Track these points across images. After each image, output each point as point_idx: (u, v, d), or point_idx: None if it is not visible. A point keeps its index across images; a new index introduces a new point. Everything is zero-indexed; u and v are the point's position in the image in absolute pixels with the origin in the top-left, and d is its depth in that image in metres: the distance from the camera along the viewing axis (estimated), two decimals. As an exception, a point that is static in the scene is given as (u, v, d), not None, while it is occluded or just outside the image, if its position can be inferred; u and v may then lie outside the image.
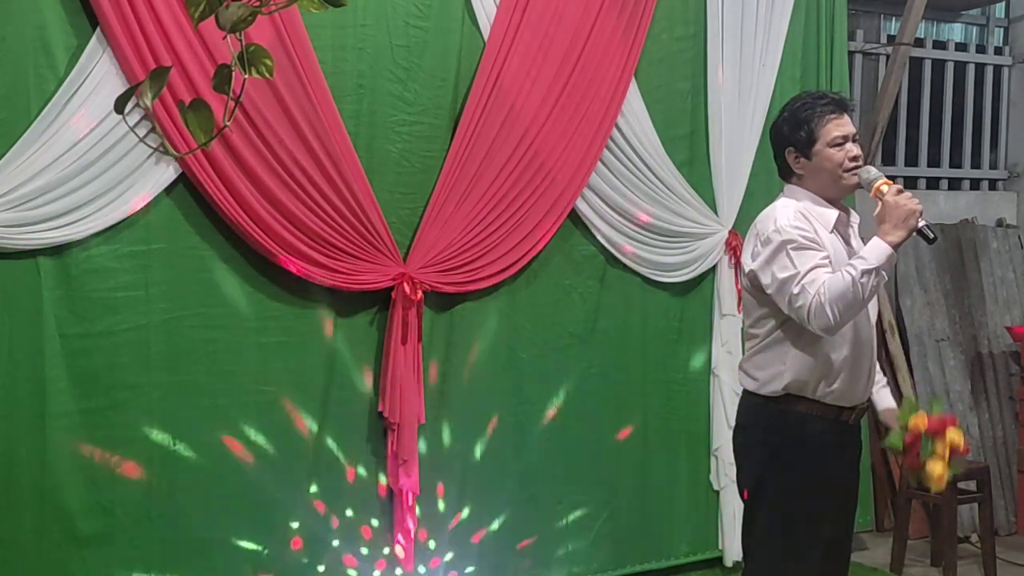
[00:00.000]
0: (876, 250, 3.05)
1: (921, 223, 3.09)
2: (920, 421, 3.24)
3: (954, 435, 3.21)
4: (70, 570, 3.88)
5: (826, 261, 3.11)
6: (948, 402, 6.08)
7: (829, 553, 3.33)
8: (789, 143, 3.28)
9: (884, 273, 3.06)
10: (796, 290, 3.07)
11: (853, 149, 3.23)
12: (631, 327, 4.98)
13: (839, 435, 3.28)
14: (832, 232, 3.23)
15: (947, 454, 3.19)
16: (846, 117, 3.25)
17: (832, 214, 3.24)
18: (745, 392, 3.36)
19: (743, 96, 5.14)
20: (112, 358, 3.92)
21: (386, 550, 4.45)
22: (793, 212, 3.18)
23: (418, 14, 4.41)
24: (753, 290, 3.26)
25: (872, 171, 3.21)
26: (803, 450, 3.23)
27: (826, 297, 3.01)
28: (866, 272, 3.00)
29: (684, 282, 5.06)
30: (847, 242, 3.28)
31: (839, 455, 3.30)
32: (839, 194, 3.27)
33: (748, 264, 3.24)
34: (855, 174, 3.22)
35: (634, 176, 4.88)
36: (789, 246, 3.11)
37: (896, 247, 3.06)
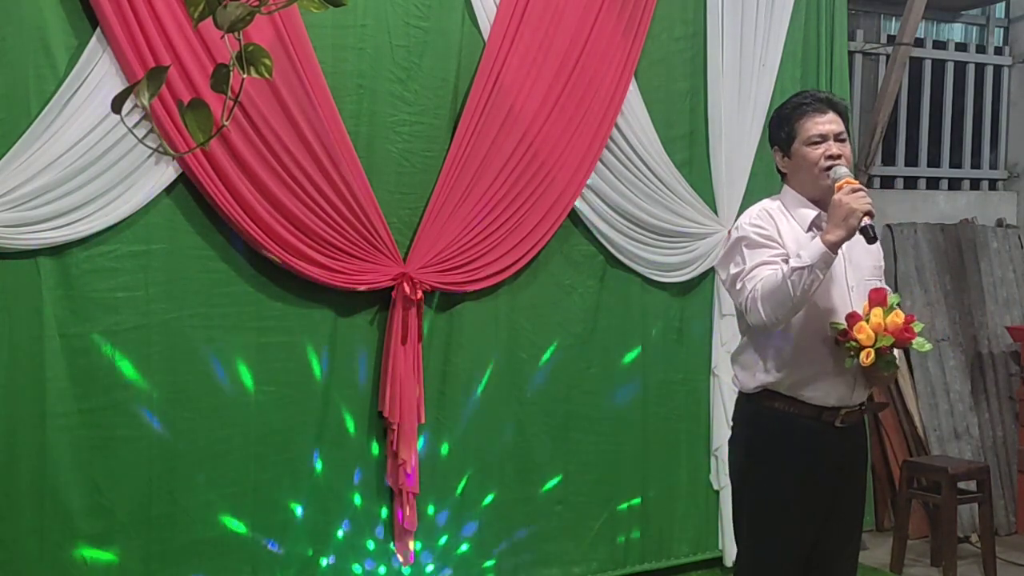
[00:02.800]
0: (812, 249, 3.03)
1: (865, 222, 3.03)
2: (865, 305, 3.19)
3: (895, 315, 3.13)
4: (70, 570, 3.88)
5: (776, 259, 3.11)
6: (948, 402, 6.08)
7: (833, 560, 3.32)
8: (774, 142, 3.31)
9: (819, 272, 3.01)
10: (739, 286, 3.14)
11: (832, 148, 3.18)
12: (631, 327, 4.98)
13: (821, 435, 3.22)
14: (810, 230, 3.20)
15: (879, 324, 3.09)
16: (830, 115, 3.22)
17: (810, 213, 3.22)
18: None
19: (743, 96, 5.14)
20: (112, 358, 3.92)
21: (386, 549, 4.45)
22: (758, 211, 3.23)
23: (418, 14, 4.41)
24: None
25: (841, 170, 3.16)
26: (779, 448, 3.22)
27: (759, 293, 3.05)
28: (796, 270, 3.00)
29: (684, 282, 5.06)
30: None
31: (821, 456, 3.23)
32: (820, 193, 3.22)
33: (715, 261, 3.30)
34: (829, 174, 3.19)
35: (634, 176, 4.88)
36: (743, 243, 3.16)
37: (833, 246, 3.01)
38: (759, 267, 3.10)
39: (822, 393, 3.21)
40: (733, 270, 3.17)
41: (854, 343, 3.11)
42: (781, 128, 3.27)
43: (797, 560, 3.26)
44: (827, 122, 3.21)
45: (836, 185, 3.11)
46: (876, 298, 3.16)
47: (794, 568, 3.26)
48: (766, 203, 3.28)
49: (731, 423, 3.47)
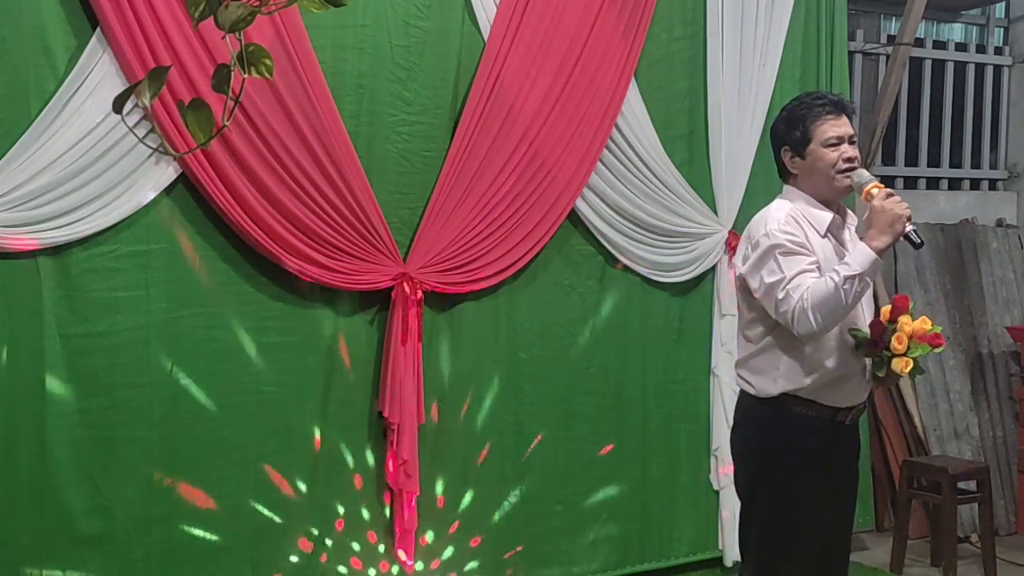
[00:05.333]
0: (861, 256, 3.04)
1: (908, 228, 3.06)
2: (885, 310, 3.22)
3: (921, 321, 3.17)
4: (70, 570, 3.88)
5: (813, 266, 3.10)
6: (948, 402, 6.08)
7: (828, 553, 3.33)
8: (785, 142, 3.28)
9: (869, 279, 3.04)
10: (781, 295, 3.08)
11: (848, 150, 3.21)
12: (631, 327, 4.98)
13: (835, 435, 3.27)
14: (825, 236, 3.22)
15: (911, 332, 3.13)
16: (844, 118, 3.23)
17: (826, 217, 3.23)
18: (742, 392, 3.36)
19: (743, 96, 5.14)
20: (112, 358, 3.92)
21: (386, 550, 4.45)
22: (784, 216, 3.18)
23: (418, 14, 4.41)
24: (744, 293, 3.28)
25: (864, 174, 3.18)
26: (798, 450, 3.22)
27: (809, 303, 3.02)
28: (849, 278, 3.00)
29: (684, 282, 5.06)
30: (842, 245, 3.27)
31: (835, 455, 3.29)
32: (833, 195, 3.26)
33: (739, 268, 3.25)
34: (848, 176, 3.20)
35: (634, 176, 4.88)
36: (777, 251, 3.11)
37: (881, 253, 3.04)
38: (800, 275, 3.07)
39: (841, 394, 3.23)
40: (769, 279, 3.11)
41: (887, 352, 3.13)
42: (795, 128, 3.24)
43: (811, 559, 3.27)
44: (843, 124, 3.22)
45: (864, 190, 3.12)
46: (901, 305, 3.18)
47: (808, 567, 3.27)
48: (784, 207, 3.23)
49: (736, 425, 3.42)
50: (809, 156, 3.23)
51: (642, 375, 5.01)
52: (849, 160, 3.20)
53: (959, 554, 5.42)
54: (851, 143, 3.23)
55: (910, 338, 3.14)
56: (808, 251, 3.13)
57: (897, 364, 3.13)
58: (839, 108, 3.24)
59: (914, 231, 3.09)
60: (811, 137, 3.22)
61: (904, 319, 3.15)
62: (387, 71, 4.36)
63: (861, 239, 3.11)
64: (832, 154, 3.20)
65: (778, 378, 3.22)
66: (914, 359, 3.14)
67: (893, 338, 3.13)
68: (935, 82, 6.70)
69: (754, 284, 3.18)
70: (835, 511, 3.33)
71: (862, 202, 3.17)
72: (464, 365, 4.58)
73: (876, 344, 3.16)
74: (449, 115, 4.50)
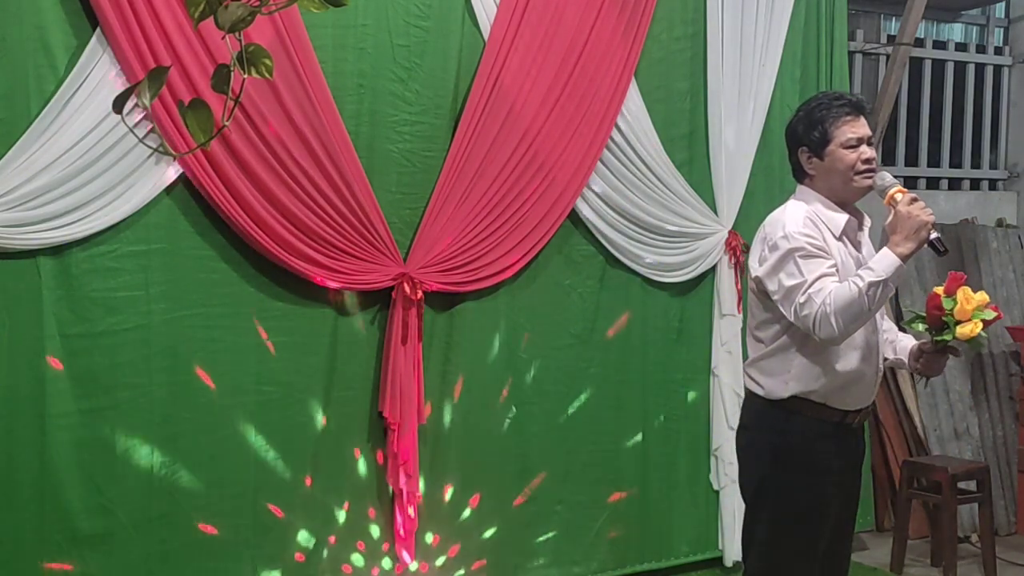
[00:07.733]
0: (885, 261, 3.02)
1: (933, 235, 3.05)
2: (938, 288, 3.22)
3: (978, 294, 3.17)
4: (70, 570, 3.88)
5: (833, 270, 3.08)
6: (948, 402, 6.08)
7: (830, 553, 3.33)
8: (802, 143, 3.25)
9: (892, 285, 3.03)
10: (802, 299, 3.04)
11: (867, 151, 3.19)
12: (631, 327, 4.98)
13: (843, 438, 3.26)
14: (840, 238, 3.20)
15: (972, 301, 3.12)
16: (862, 119, 3.22)
17: (841, 219, 3.21)
18: (749, 393, 3.34)
19: (743, 96, 5.14)
20: (112, 358, 3.92)
21: (387, 550, 4.45)
22: (803, 218, 3.15)
23: (418, 14, 4.41)
24: (759, 295, 3.24)
25: (887, 178, 3.17)
26: (807, 453, 3.22)
27: (832, 308, 2.99)
28: (873, 284, 2.98)
29: (684, 282, 5.06)
30: (856, 248, 3.26)
31: (842, 458, 3.28)
32: (851, 197, 3.25)
33: (755, 269, 3.21)
34: (867, 177, 3.18)
35: (634, 176, 4.88)
36: (797, 254, 3.08)
37: (906, 259, 3.03)
38: (822, 279, 3.04)
39: (851, 397, 3.23)
40: (789, 282, 3.08)
41: (950, 317, 3.13)
42: (813, 130, 3.22)
43: (816, 561, 3.27)
44: (861, 126, 3.21)
45: (888, 195, 3.11)
46: (959, 278, 3.18)
47: (813, 569, 3.27)
48: (801, 208, 3.21)
49: (742, 427, 3.39)
50: (828, 157, 3.21)
51: (642, 375, 5.01)
52: (867, 162, 3.19)
53: (959, 554, 5.43)
54: (869, 144, 3.22)
55: (975, 307, 3.13)
56: (827, 254, 3.12)
57: (967, 327, 3.11)
58: (857, 109, 3.23)
59: (939, 238, 3.07)
60: (830, 138, 3.19)
61: (964, 289, 3.14)
62: (388, 71, 4.36)
63: (885, 244, 3.08)
64: (851, 156, 3.18)
65: (789, 380, 3.20)
66: (982, 321, 3.11)
67: (957, 306, 3.11)
68: (935, 82, 6.70)
69: (772, 287, 3.14)
70: (839, 514, 3.32)
71: (884, 206, 3.15)
72: (464, 365, 4.58)
73: (940, 309, 3.15)
74: (449, 115, 4.50)
